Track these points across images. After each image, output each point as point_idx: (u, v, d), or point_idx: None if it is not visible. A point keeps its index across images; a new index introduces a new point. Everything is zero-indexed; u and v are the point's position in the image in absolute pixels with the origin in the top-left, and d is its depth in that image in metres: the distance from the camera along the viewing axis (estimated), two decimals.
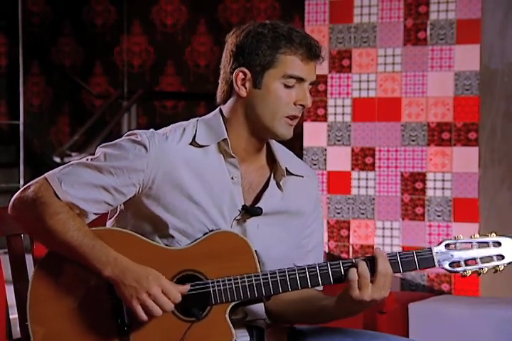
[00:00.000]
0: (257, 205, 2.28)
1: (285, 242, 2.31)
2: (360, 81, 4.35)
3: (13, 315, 2.34)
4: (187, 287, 2.18)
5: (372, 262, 2.16)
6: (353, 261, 2.18)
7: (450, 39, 4.19)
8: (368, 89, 4.35)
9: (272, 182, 2.32)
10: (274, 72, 2.23)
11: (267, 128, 2.25)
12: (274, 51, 2.22)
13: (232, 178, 2.27)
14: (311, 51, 2.23)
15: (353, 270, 2.15)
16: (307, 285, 2.19)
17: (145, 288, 2.15)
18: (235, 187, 2.27)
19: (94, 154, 2.29)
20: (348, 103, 4.37)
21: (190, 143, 2.26)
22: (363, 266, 2.15)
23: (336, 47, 4.36)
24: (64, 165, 2.27)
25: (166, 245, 2.24)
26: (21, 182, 6.16)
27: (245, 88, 2.25)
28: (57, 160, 5.66)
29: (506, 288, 4.03)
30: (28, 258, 2.38)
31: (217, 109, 2.33)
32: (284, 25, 2.25)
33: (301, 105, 2.25)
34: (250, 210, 2.27)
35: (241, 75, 2.25)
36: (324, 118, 4.42)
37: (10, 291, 2.35)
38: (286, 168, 2.32)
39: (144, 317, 2.16)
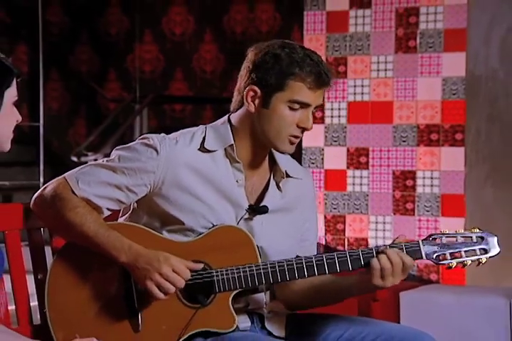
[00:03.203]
0: (261, 204, 2.29)
1: (287, 237, 2.33)
2: (355, 86, 4.35)
3: (34, 303, 2.35)
4: (200, 265, 2.19)
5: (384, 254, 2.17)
6: (374, 250, 2.17)
7: (438, 47, 4.19)
8: (362, 93, 4.35)
9: (272, 182, 2.33)
10: (282, 95, 2.22)
11: (270, 143, 2.26)
12: (286, 76, 2.21)
13: (237, 181, 2.28)
14: (319, 80, 2.22)
15: (376, 261, 2.16)
16: (304, 275, 2.20)
17: (156, 269, 2.16)
18: (240, 189, 2.28)
19: (109, 155, 2.30)
20: (343, 106, 4.37)
21: (199, 149, 2.26)
22: (394, 254, 2.16)
23: (332, 54, 4.36)
24: (81, 166, 2.28)
25: (174, 239, 2.25)
26: (41, 179, 6.17)
27: (254, 105, 2.24)
28: (75, 159, 5.66)
29: (489, 278, 4.03)
30: (47, 250, 2.38)
31: (226, 117, 2.33)
32: (300, 51, 2.23)
33: (302, 127, 2.25)
34: (257, 209, 2.28)
35: (251, 93, 2.24)
36: (322, 120, 4.42)
37: (30, 281, 2.36)
38: (285, 171, 2.33)
39: (160, 294, 2.17)
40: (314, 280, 2.31)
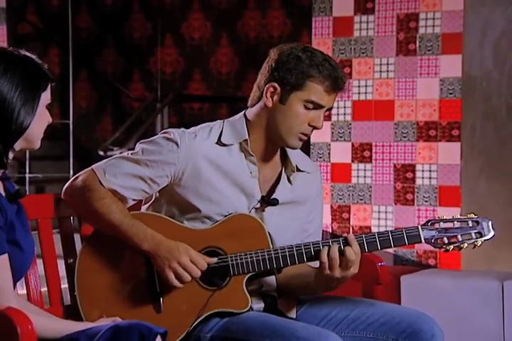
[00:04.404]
0: (273, 197, 2.28)
1: (292, 227, 2.32)
2: (359, 86, 4.34)
3: (64, 285, 2.35)
4: (214, 259, 2.18)
5: (345, 244, 2.16)
6: (330, 243, 2.17)
7: (436, 50, 4.17)
8: (366, 92, 4.33)
9: (284, 176, 2.32)
10: (299, 94, 2.21)
11: (281, 138, 2.25)
12: (305, 77, 2.19)
13: (250, 173, 2.27)
14: (335, 84, 2.21)
15: (324, 253, 2.15)
16: (312, 257, 2.19)
17: (176, 258, 2.15)
18: (253, 181, 2.27)
19: (133, 149, 2.29)
20: (349, 105, 4.36)
21: (216, 143, 2.25)
22: (334, 250, 2.14)
23: (338, 57, 4.34)
24: (108, 159, 2.27)
25: (193, 226, 2.24)
26: (71, 172, 6.17)
27: (272, 100, 2.23)
28: (101, 153, 5.66)
29: (483, 263, 4.02)
30: (77, 237, 2.39)
31: (242, 112, 2.32)
32: (320, 56, 2.22)
33: (313, 126, 2.23)
34: (268, 201, 2.27)
35: (271, 89, 2.23)
36: (328, 117, 4.40)
37: (61, 265, 2.36)
38: (296, 166, 2.32)
39: (176, 282, 2.16)
40: (292, 270, 2.29)
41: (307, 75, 2.19)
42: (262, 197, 2.27)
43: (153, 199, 2.31)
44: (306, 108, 2.21)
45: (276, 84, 2.22)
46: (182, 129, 2.27)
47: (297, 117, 2.21)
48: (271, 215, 2.28)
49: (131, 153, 2.26)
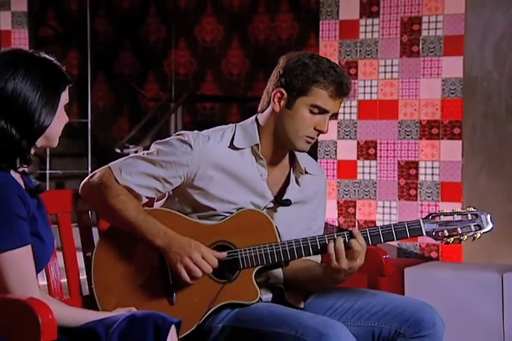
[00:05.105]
0: (284, 197, 2.28)
1: (299, 225, 2.32)
2: (364, 86, 4.33)
3: (83, 276, 2.36)
4: (224, 254, 2.19)
5: (350, 237, 2.16)
6: (335, 236, 2.17)
7: (438, 51, 4.16)
8: (371, 92, 4.33)
9: (292, 178, 2.32)
10: (305, 99, 2.20)
11: (289, 141, 2.25)
12: (311, 82, 2.19)
13: (261, 175, 2.27)
14: (340, 89, 2.20)
15: (331, 245, 2.15)
16: (318, 250, 2.20)
17: (188, 254, 2.16)
18: (263, 183, 2.27)
19: (148, 147, 2.29)
20: (354, 104, 4.36)
21: (229, 146, 2.26)
22: (339, 243, 2.15)
23: (344, 58, 4.34)
24: (124, 158, 2.28)
25: (204, 223, 2.25)
26: (89, 169, 6.18)
27: (279, 105, 2.23)
28: (118, 151, 5.67)
29: (483, 256, 4.01)
30: (95, 231, 2.40)
31: (254, 117, 2.32)
32: (326, 62, 2.22)
33: (318, 130, 2.23)
34: (281, 202, 2.27)
35: (278, 94, 2.23)
36: (335, 116, 4.40)
37: (79, 257, 2.37)
38: (304, 168, 2.33)
39: (187, 278, 2.17)
40: (301, 264, 2.29)
41: (313, 81, 2.19)
42: (275, 197, 2.27)
43: (166, 197, 2.32)
44: (312, 112, 2.21)
45: (283, 90, 2.22)
46: (196, 131, 2.28)
47: (303, 121, 2.21)
48: (280, 215, 2.29)
49: (147, 153, 2.27)
